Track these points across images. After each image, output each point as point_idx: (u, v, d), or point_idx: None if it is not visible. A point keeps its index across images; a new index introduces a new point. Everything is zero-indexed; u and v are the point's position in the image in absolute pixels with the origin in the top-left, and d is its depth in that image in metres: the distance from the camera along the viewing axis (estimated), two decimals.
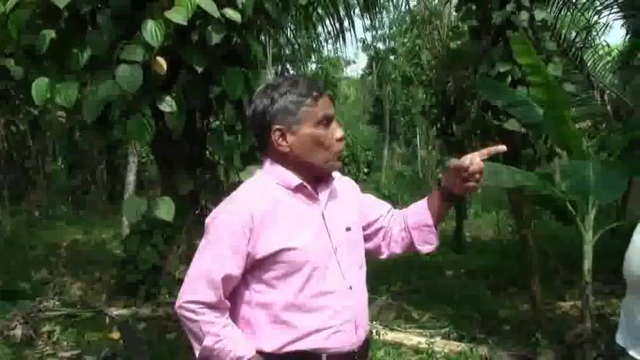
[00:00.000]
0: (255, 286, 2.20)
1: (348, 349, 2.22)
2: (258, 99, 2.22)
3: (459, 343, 5.93)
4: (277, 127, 2.16)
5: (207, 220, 2.23)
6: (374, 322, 6.45)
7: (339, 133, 2.23)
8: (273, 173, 2.25)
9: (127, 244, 7.68)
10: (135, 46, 3.28)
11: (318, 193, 2.27)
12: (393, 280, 8.64)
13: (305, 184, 2.22)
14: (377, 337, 5.99)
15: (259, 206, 2.16)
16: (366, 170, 20.43)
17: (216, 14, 3.38)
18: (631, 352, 2.21)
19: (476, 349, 5.69)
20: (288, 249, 2.14)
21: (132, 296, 7.51)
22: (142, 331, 6.56)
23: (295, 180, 2.21)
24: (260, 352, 2.16)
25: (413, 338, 6.14)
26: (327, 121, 2.19)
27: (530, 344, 5.61)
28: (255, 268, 2.17)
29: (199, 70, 3.52)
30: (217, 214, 2.22)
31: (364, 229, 2.45)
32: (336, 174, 2.39)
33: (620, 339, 2.30)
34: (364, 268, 2.38)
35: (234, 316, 2.23)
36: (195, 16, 3.34)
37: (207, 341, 2.14)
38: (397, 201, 18.11)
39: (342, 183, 2.43)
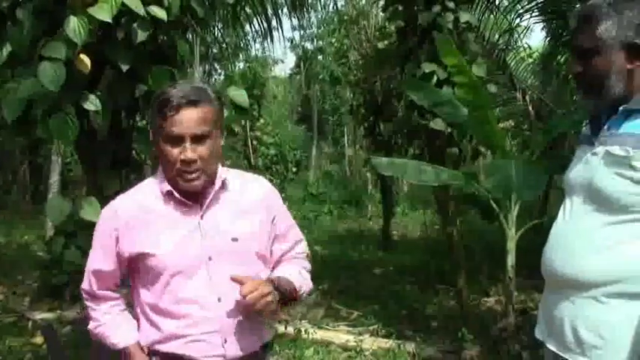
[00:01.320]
0: (137, 285, 2.31)
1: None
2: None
3: (387, 340, 5.97)
4: (152, 130, 2.23)
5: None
6: (302, 321, 6.48)
7: (185, 154, 2.11)
8: (157, 177, 2.29)
9: (51, 245, 7.48)
10: (57, 43, 3.19)
11: (204, 199, 2.23)
12: (322, 279, 8.66)
13: (175, 191, 2.20)
14: (306, 335, 6.00)
15: (127, 208, 2.27)
16: (294, 169, 20.38)
17: (142, 12, 3.33)
18: (548, 345, 2.27)
19: (403, 345, 5.74)
20: (147, 254, 2.20)
21: (57, 299, 7.33)
22: (67, 334, 6.40)
23: (165, 186, 2.22)
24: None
25: (341, 336, 6.15)
26: (174, 139, 2.11)
27: (456, 339, 5.67)
28: (131, 268, 2.29)
29: (125, 68, 3.46)
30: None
31: None
32: (253, 180, 2.41)
33: (538, 332, 2.37)
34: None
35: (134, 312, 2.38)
36: (120, 13, 3.28)
37: (91, 325, 2.39)
38: (325, 200, 18.24)
39: (248, 192, 2.35)
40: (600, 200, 2.09)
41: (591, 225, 2.11)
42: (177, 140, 2.11)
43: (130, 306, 2.41)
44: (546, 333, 2.29)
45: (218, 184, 2.25)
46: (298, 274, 2.38)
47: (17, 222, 14.25)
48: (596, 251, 2.07)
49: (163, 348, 2.24)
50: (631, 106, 2.07)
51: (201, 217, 2.22)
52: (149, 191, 2.28)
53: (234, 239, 2.23)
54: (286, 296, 2.26)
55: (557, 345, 2.21)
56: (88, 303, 2.40)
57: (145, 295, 2.26)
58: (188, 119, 2.10)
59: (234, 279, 2.12)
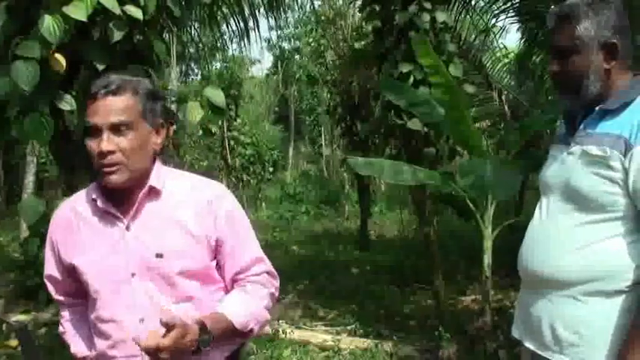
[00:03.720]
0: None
1: None
2: None
3: (364, 340, 5.99)
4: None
5: None
6: (280, 321, 6.47)
7: (100, 145, 1.94)
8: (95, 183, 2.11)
9: (26, 247, 7.41)
10: (31, 41, 3.16)
11: (130, 207, 2.03)
12: (299, 279, 8.66)
13: (98, 199, 2.03)
14: (283, 335, 6.00)
15: (62, 215, 2.16)
16: (271, 170, 20.35)
17: (118, 11, 3.31)
18: (526, 343, 2.29)
19: (381, 344, 5.76)
20: (75, 266, 2.06)
21: (32, 301, 7.26)
22: (42, 336, 6.35)
23: (91, 194, 2.06)
24: None
25: (319, 336, 6.17)
26: (93, 130, 1.95)
27: (433, 338, 5.70)
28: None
29: (100, 68, 3.43)
30: None
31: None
32: (201, 186, 2.16)
33: (515, 331, 2.39)
34: (188, 304, 2.06)
35: None
36: (96, 12, 3.25)
37: (59, 329, 2.29)
38: (303, 200, 18.24)
39: (189, 200, 2.10)
40: (577, 199, 2.11)
41: (568, 224, 2.13)
42: (95, 131, 1.94)
43: None
44: (524, 332, 2.31)
45: (145, 189, 2.05)
46: (245, 307, 2.10)
47: None
48: (573, 250, 2.09)
49: None
50: (607, 106, 2.09)
51: (127, 227, 2.03)
52: (84, 196, 2.12)
53: (159, 255, 2.01)
54: (223, 336, 2.01)
55: (535, 343, 2.23)
56: (59, 309, 2.31)
57: (89, 308, 2.14)
58: (105, 108, 1.93)
59: (162, 317, 1.81)
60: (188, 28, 6.79)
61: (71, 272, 2.11)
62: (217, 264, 2.17)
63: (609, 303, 2.04)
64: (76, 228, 2.08)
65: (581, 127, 2.16)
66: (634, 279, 2.02)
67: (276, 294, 2.28)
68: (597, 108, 2.11)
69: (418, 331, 6.33)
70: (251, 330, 2.10)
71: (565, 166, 2.18)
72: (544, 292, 2.18)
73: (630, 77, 2.14)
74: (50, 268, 2.21)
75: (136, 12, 3.42)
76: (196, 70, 18.49)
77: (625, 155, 1.99)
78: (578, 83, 2.11)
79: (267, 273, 2.23)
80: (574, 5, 2.11)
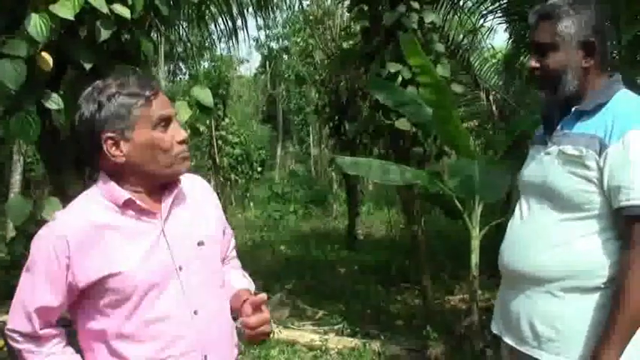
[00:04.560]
0: (90, 314, 1.98)
1: None
2: (84, 104, 1.96)
3: (352, 339, 6.01)
4: (109, 135, 1.91)
5: (34, 239, 2.00)
6: None
7: (180, 135, 1.98)
8: (103, 189, 2.00)
9: (12, 246, 7.37)
10: (18, 40, 3.14)
11: (164, 202, 2.02)
12: (287, 278, 8.67)
13: (135, 198, 1.96)
14: (271, 335, 5.99)
15: (77, 230, 1.93)
16: (259, 169, 20.39)
17: (105, 10, 3.29)
18: (505, 339, 2.35)
19: (369, 344, 5.77)
20: (112, 275, 1.90)
21: None
22: None
23: (123, 196, 1.96)
24: None
25: (307, 335, 6.18)
26: (165, 122, 1.95)
27: (421, 338, 5.72)
28: (85, 296, 1.95)
29: (87, 67, 3.41)
30: (38, 234, 1.99)
31: None
32: (190, 177, 2.18)
33: (494, 326, 2.45)
34: (224, 288, 2.16)
35: (80, 344, 2.05)
36: (83, 10, 3.24)
37: None
38: (291, 199, 18.25)
39: (196, 188, 2.18)
40: (554, 198, 2.17)
41: (546, 222, 2.20)
42: (168, 122, 1.97)
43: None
44: (503, 327, 2.38)
45: (179, 182, 2.07)
46: (248, 280, 2.32)
47: None
48: (550, 248, 2.16)
49: None
50: (582, 107, 2.16)
51: (165, 222, 2.01)
52: (96, 205, 1.99)
53: (200, 243, 2.05)
54: None
55: (514, 339, 2.29)
56: (22, 346, 2.00)
57: (101, 324, 1.96)
58: (166, 101, 2.00)
59: (243, 300, 2.08)
60: (176, 28, 6.79)
61: (85, 290, 1.94)
62: None
63: (585, 299, 2.11)
64: (99, 239, 1.93)
65: (559, 127, 2.22)
66: (609, 276, 2.07)
67: None
68: (573, 109, 2.17)
69: (405, 331, 6.34)
70: None
71: (542, 165, 2.25)
72: (523, 288, 2.25)
73: (606, 78, 2.21)
74: (45, 298, 1.95)
75: (123, 11, 3.40)
76: (184, 70, 18.48)
77: (600, 155, 2.06)
78: (557, 79, 2.17)
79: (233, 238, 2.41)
80: (556, 4, 2.18)
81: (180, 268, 1.99)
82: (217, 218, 2.21)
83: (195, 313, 1.99)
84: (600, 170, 2.05)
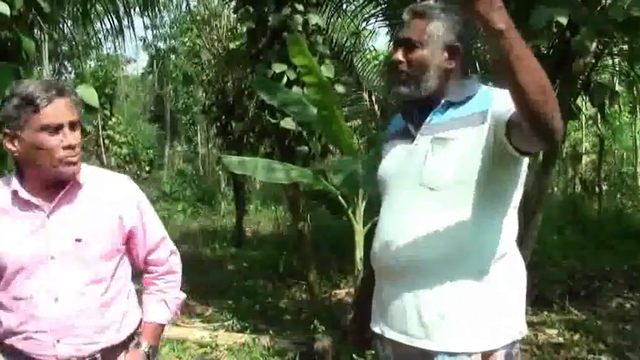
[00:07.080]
0: None
1: (46, 359, 2.24)
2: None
3: (241, 335, 6.07)
4: (6, 131, 2.17)
5: None
6: None
7: (67, 140, 2.16)
8: (12, 176, 2.28)
9: None
10: None
11: (55, 196, 2.23)
12: None
13: (21, 191, 2.21)
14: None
15: None
16: (147, 169, 20.12)
17: None
18: (389, 336, 2.33)
19: (258, 339, 5.86)
20: None
21: None
22: None
23: (12, 187, 2.23)
24: None
25: (197, 332, 6.21)
26: (53, 128, 2.14)
27: (308, 331, 5.83)
28: None
29: None
30: None
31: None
32: (113, 179, 2.46)
33: (375, 326, 2.42)
34: (103, 284, 2.31)
35: None
36: None
37: None
38: (179, 198, 18.08)
39: (106, 189, 2.38)
40: (429, 186, 2.21)
41: (422, 212, 2.22)
42: (58, 128, 2.15)
43: None
44: (385, 325, 2.35)
45: (73, 182, 2.27)
46: (165, 307, 2.58)
47: None
48: (430, 236, 2.18)
49: (7, 341, 2.26)
50: (451, 99, 2.26)
51: (49, 215, 2.23)
52: (2, 190, 2.27)
53: (78, 240, 2.24)
54: (159, 337, 2.57)
55: (400, 335, 2.28)
56: None
57: None
58: (65, 108, 2.17)
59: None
60: (60, 26, 6.67)
61: None
62: (129, 247, 2.46)
63: (469, 283, 2.15)
64: None
65: (428, 119, 2.29)
66: (495, 256, 2.17)
67: (180, 269, 2.69)
68: (443, 100, 2.27)
69: (294, 325, 6.46)
70: (175, 314, 2.64)
71: (413, 156, 2.28)
72: (404, 281, 2.25)
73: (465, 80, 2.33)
74: None
75: (2, 7, 3.35)
76: (70, 69, 17.95)
77: (484, 121, 2.15)
78: (420, 75, 2.26)
79: (172, 253, 2.63)
80: (431, 6, 2.31)
81: (53, 258, 2.22)
82: (120, 219, 2.35)
83: (56, 300, 2.22)
84: (488, 130, 2.13)
